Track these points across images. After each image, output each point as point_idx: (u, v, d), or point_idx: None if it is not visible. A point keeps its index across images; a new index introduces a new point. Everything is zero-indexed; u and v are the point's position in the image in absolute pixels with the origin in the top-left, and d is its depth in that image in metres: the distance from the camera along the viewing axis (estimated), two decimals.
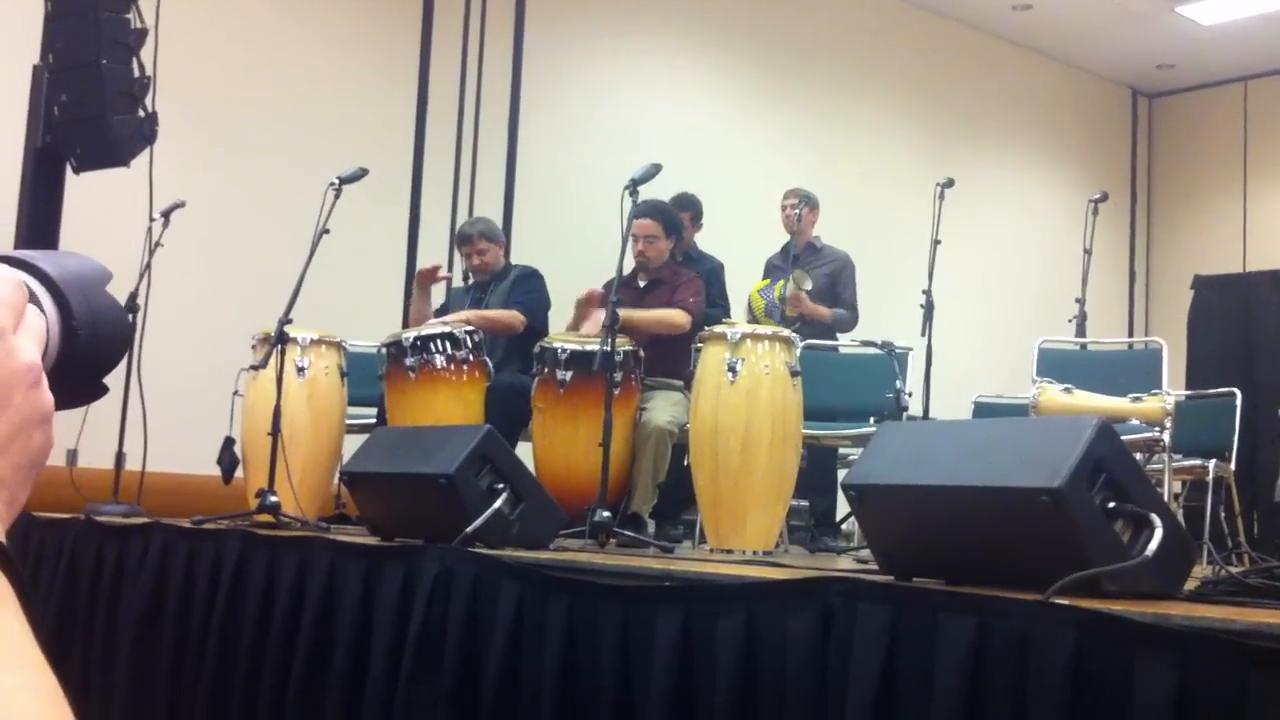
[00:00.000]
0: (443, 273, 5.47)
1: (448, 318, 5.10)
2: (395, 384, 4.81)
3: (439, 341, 4.77)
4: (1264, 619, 1.87)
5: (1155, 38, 9.88)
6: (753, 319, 5.76)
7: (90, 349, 0.70)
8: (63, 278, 0.69)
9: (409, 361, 4.73)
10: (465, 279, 5.65)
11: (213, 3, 6.70)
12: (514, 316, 5.14)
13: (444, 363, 4.76)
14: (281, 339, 4.47)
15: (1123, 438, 2.40)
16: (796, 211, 5.96)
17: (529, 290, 5.26)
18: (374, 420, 5.14)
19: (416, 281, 5.54)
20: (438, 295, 5.83)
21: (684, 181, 5.97)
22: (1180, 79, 10.78)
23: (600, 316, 4.95)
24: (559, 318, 5.33)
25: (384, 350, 4.89)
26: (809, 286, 5.73)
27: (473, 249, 5.38)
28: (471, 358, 4.80)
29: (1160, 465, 4.84)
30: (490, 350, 4.94)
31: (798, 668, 2.17)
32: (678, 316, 4.92)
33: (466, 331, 4.82)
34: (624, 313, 4.36)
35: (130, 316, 4.97)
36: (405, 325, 5.83)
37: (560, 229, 7.46)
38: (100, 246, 6.22)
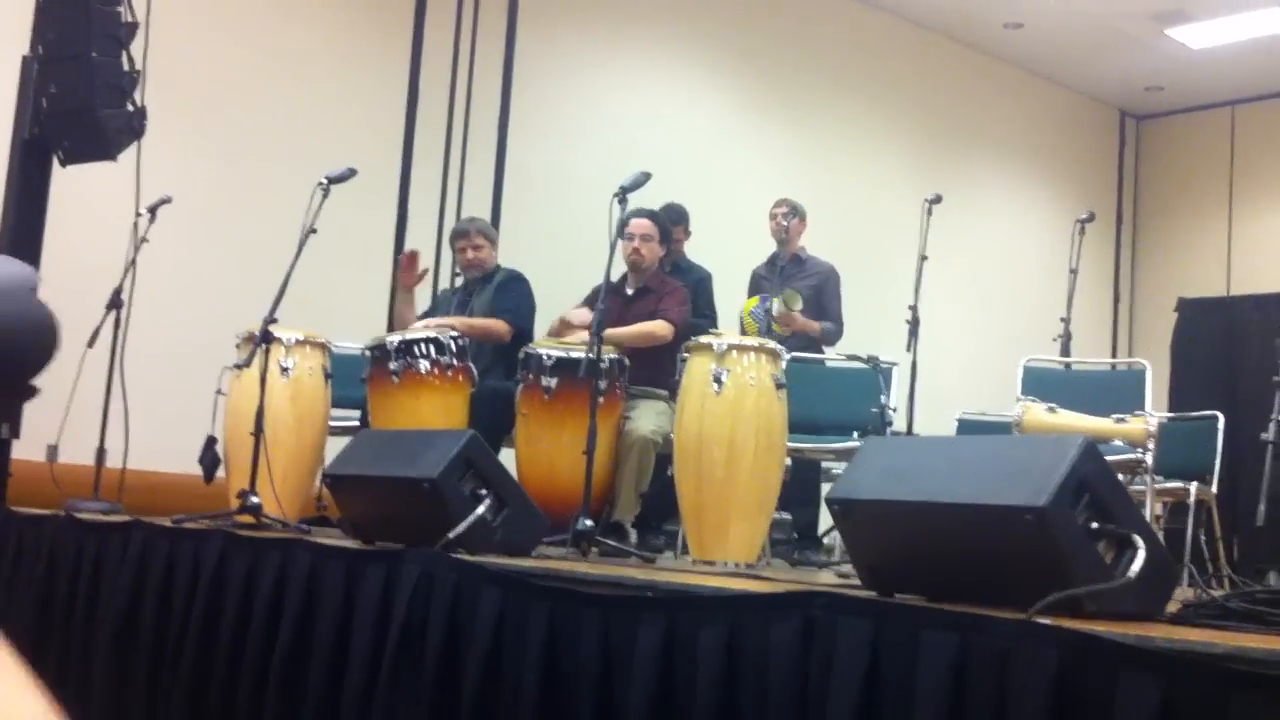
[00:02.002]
0: (422, 264, 5.40)
1: (432, 321, 5.08)
2: (378, 387, 4.78)
3: (423, 345, 4.74)
4: (1245, 643, 1.87)
5: (1145, 60, 9.92)
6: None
7: (9, 353, 0.69)
8: None
9: (393, 365, 4.70)
10: (453, 280, 5.62)
11: None
12: (500, 326, 5.12)
13: (428, 367, 4.73)
14: (266, 338, 4.45)
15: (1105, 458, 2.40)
16: (785, 222, 6.00)
17: (514, 296, 5.25)
18: (357, 423, 5.11)
19: (400, 284, 5.49)
20: (423, 298, 5.80)
21: (673, 189, 5.97)
22: (1168, 101, 10.83)
23: (584, 316, 4.95)
24: (544, 322, 5.32)
25: (368, 353, 4.86)
26: (799, 306, 5.77)
27: (469, 243, 5.38)
28: (456, 363, 4.76)
29: (1142, 487, 4.85)
30: (476, 356, 4.92)
31: (779, 681, 2.16)
32: (660, 329, 4.94)
33: (452, 336, 4.79)
34: (608, 333, 4.36)
35: (115, 313, 4.94)
36: (390, 328, 5.81)
37: (548, 233, 7.46)
38: (85, 240, 6.20)
